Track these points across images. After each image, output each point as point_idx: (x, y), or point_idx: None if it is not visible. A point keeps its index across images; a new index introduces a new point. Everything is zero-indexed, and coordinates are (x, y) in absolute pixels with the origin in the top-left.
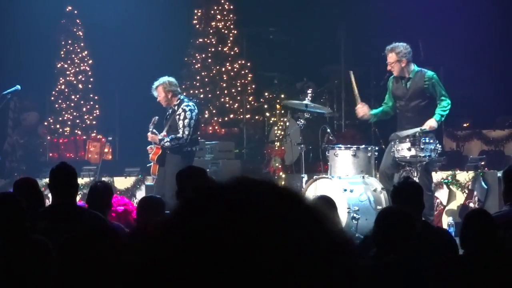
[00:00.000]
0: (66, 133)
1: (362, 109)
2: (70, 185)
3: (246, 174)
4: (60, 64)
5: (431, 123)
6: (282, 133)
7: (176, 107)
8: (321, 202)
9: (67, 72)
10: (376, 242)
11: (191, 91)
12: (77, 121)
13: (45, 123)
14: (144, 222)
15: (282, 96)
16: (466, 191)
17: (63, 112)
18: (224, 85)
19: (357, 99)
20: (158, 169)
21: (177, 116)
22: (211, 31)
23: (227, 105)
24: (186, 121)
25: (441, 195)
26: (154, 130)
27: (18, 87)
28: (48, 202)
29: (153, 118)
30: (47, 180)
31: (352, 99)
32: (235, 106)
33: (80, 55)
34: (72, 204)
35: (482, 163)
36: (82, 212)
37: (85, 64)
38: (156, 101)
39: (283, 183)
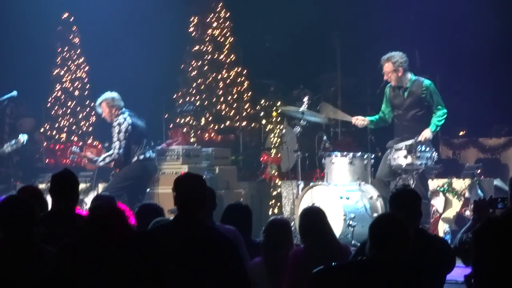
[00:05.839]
0: (62, 140)
1: (358, 121)
2: (71, 192)
3: None
4: (56, 71)
5: (426, 134)
6: (279, 140)
7: None
8: (312, 212)
9: (63, 79)
10: (371, 246)
11: (187, 98)
12: (73, 127)
13: (41, 130)
14: (144, 228)
15: (279, 103)
16: (462, 199)
17: (60, 119)
18: (220, 92)
19: (348, 118)
20: None
21: (113, 132)
22: (207, 38)
23: (223, 112)
24: (116, 135)
25: (437, 202)
26: (87, 154)
27: (15, 93)
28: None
29: (70, 148)
30: (43, 185)
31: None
32: (231, 113)
33: (76, 62)
34: (71, 211)
35: (478, 171)
36: (81, 219)
37: (81, 70)
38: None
39: (279, 190)
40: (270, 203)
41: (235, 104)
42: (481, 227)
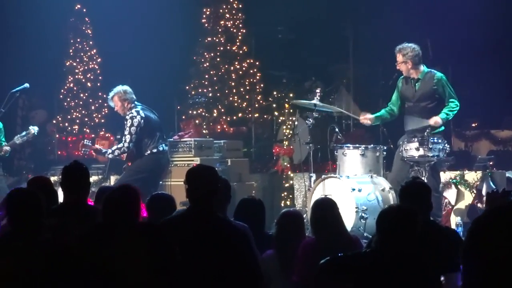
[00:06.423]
0: (74, 131)
1: (365, 119)
2: (82, 184)
3: None
4: (68, 62)
5: (436, 119)
6: (291, 132)
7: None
8: (323, 204)
9: (76, 70)
10: (378, 238)
11: (200, 90)
12: (86, 119)
13: (54, 121)
14: (155, 219)
15: (291, 95)
16: (475, 191)
17: (72, 110)
18: (233, 84)
19: (355, 116)
20: None
21: (125, 125)
22: (219, 30)
23: (236, 104)
24: (127, 129)
25: (450, 195)
26: (96, 146)
27: (27, 85)
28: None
29: (82, 142)
30: (55, 178)
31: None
32: (244, 105)
33: (88, 53)
34: (83, 203)
35: (491, 163)
36: (93, 210)
37: (94, 62)
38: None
39: (291, 182)
40: (282, 195)
41: (248, 96)
42: (483, 216)
